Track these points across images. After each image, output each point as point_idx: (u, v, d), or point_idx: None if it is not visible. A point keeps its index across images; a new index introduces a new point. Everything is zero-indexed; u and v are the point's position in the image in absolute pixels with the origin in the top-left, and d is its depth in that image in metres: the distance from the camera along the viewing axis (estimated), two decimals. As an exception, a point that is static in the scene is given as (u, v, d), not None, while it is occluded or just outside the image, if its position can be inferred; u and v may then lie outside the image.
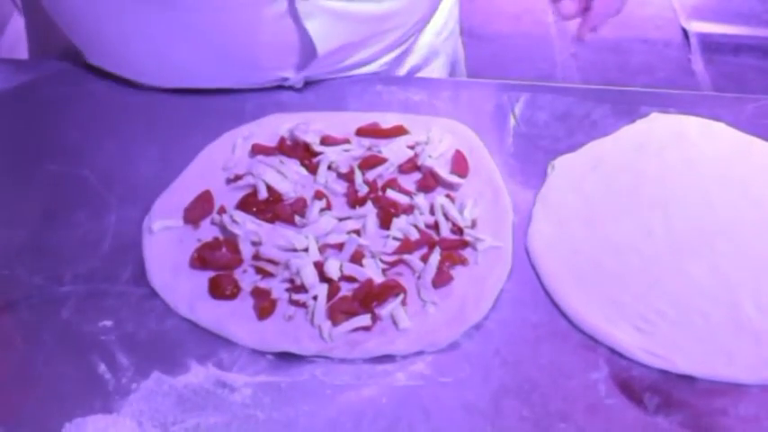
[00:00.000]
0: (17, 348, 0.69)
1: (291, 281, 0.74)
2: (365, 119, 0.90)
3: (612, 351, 0.71)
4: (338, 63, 0.94)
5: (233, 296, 0.73)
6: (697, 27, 2.81)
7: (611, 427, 0.66)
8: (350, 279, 0.74)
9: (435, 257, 0.76)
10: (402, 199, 0.81)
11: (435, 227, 0.79)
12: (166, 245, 0.77)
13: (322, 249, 0.77)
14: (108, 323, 0.71)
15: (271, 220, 0.79)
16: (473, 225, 0.79)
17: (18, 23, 1.75)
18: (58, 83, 0.92)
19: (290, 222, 0.79)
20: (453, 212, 0.79)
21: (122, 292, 0.73)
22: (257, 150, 0.86)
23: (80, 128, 0.89)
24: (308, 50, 0.89)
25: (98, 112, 0.90)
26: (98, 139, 0.87)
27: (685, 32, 2.81)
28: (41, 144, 0.87)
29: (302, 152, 0.86)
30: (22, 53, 1.63)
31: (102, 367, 0.68)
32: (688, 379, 0.69)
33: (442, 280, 0.75)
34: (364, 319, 0.71)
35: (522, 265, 0.77)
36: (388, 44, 0.97)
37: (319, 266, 0.74)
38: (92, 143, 0.87)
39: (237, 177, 0.83)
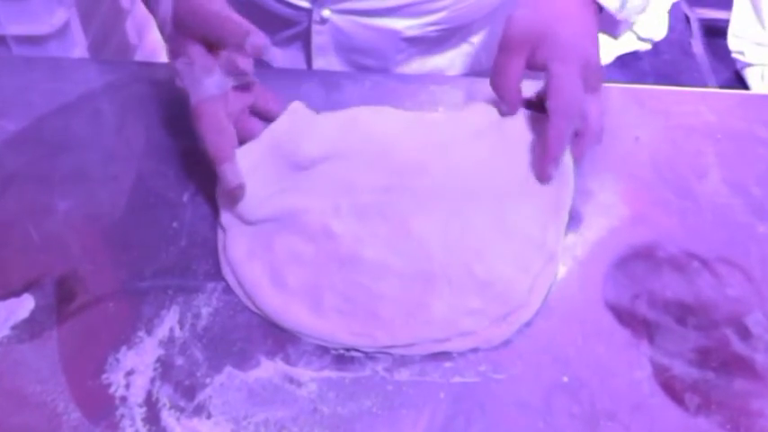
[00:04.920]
0: (104, 342, 0.64)
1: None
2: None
3: (655, 350, 0.66)
4: None
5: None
6: (698, 12, 2.75)
7: (655, 426, 0.61)
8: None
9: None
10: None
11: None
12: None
13: None
14: (185, 318, 0.66)
15: None
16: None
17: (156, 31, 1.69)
18: (142, 82, 0.88)
19: None
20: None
21: (198, 286, 0.68)
22: None
23: (160, 126, 0.84)
24: None
25: (174, 111, 0.84)
26: (174, 138, 0.82)
27: (687, 18, 2.75)
28: (126, 142, 0.82)
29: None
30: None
31: (180, 362, 0.63)
32: (724, 380, 0.64)
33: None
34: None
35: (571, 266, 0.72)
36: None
37: None
38: (169, 141, 0.82)
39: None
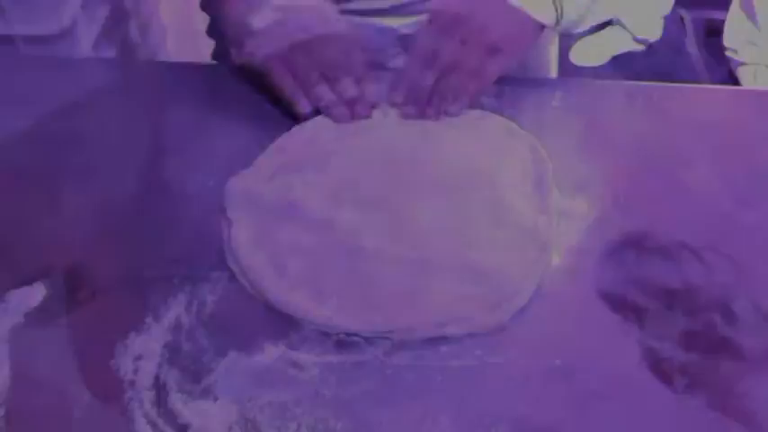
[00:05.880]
0: (112, 329, 0.66)
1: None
2: None
3: (644, 334, 0.67)
4: None
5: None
6: (692, 12, 2.77)
7: (645, 406, 0.62)
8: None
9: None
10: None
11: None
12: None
13: None
14: (191, 305, 0.67)
15: None
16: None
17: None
18: (146, 81, 0.89)
19: None
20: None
21: (204, 275, 0.70)
22: None
23: (164, 122, 0.85)
24: None
25: (184, 107, 0.86)
26: (178, 132, 0.84)
27: (681, 17, 2.76)
28: (131, 137, 0.84)
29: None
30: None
31: (186, 347, 0.65)
32: (711, 362, 0.65)
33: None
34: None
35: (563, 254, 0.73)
36: None
37: None
38: (173, 136, 0.83)
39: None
